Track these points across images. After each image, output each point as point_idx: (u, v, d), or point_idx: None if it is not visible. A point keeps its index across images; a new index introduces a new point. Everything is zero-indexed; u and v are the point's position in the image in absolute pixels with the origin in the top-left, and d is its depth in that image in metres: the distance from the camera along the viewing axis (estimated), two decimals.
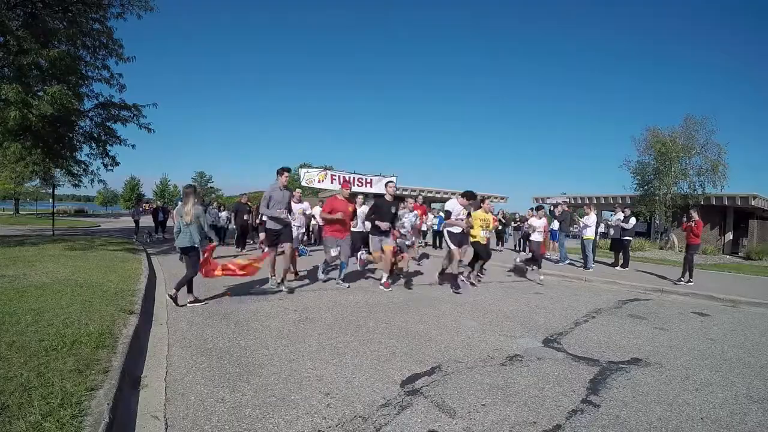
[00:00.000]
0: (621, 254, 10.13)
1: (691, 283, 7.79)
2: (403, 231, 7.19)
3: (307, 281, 6.66)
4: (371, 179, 21.50)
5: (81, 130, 11.42)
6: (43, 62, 9.01)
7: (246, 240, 12.03)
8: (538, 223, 8.42)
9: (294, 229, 7.00)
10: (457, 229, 6.57)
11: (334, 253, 6.33)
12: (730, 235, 19.96)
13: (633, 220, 10.25)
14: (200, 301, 4.97)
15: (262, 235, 10.09)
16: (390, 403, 2.59)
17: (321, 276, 6.69)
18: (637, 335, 4.43)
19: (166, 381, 2.80)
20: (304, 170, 20.23)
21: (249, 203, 12.73)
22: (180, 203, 5.17)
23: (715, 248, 17.55)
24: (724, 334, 4.65)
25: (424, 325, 4.44)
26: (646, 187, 18.50)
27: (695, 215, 8.14)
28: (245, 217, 11.77)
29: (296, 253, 7.04)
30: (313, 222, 12.17)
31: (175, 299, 4.79)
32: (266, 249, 5.97)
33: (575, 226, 11.33)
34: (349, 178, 20.60)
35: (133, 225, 16.26)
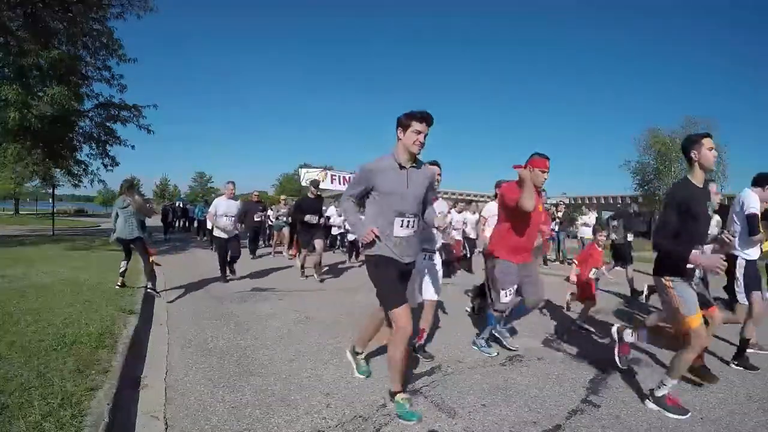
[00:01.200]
0: None
1: None
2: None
3: (307, 284, 6.66)
4: None
5: (81, 131, 11.45)
6: (43, 63, 9.03)
7: (257, 244, 10.93)
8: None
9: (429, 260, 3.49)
10: (755, 252, 3.54)
11: (506, 298, 3.26)
12: None
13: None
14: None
15: (318, 244, 6.79)
16: (390, 403, 2.59)
17: (485, 347, 3.58)
18: None
19: (166, 381, 2.79)
20: (304, 170, 20.20)
21: (261, 201, 11.83)
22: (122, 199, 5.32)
23: None
24: (723, 334, 4.64)
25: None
26: (646, 187, 18.54)
27: None
28: (256, 218, 10.71)
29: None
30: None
31: (155, 290, 5.16)
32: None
33: (575, 224, 11.35)
34: (349, 178, 20.64)
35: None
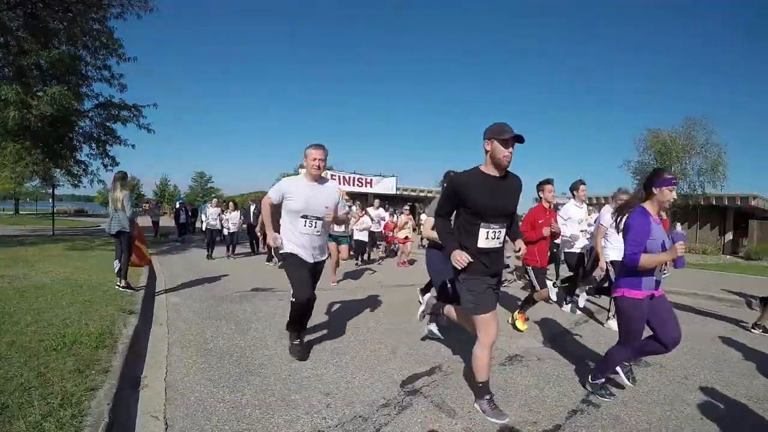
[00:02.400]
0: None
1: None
2: None
3: None
4: (371, 179, 21.49)
5: (81, 130, 11.45)
6: (43, 63, 9.04)
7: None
8: None
9: None
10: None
11: None
12: (730, 235, 19.95)
13: None
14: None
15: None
16: (390, 403, 2.59)
17: None
18: None
19: (166, 381, 2.79)
20: (303, 170, 20.17)
21: None
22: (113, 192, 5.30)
23: (715, 248, 17.57)
24: (724, 334, 4.65)
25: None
26: None
27: (664, 215, 8.99)
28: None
29: None
30: None
31: (129, 286, 5.15)
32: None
33: None
34: (350, 178, 20.64)
35: (151, 226, 15.78)
